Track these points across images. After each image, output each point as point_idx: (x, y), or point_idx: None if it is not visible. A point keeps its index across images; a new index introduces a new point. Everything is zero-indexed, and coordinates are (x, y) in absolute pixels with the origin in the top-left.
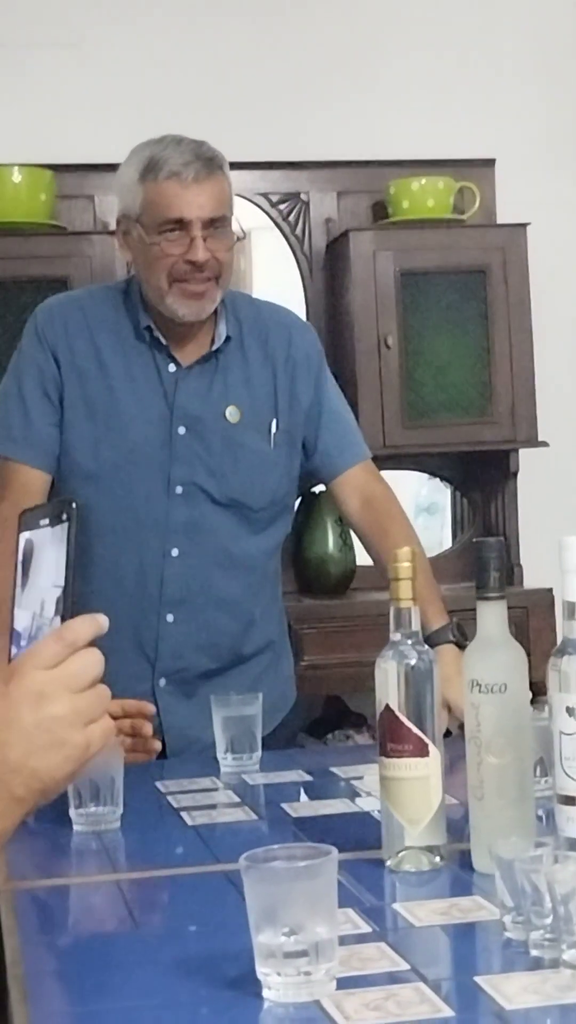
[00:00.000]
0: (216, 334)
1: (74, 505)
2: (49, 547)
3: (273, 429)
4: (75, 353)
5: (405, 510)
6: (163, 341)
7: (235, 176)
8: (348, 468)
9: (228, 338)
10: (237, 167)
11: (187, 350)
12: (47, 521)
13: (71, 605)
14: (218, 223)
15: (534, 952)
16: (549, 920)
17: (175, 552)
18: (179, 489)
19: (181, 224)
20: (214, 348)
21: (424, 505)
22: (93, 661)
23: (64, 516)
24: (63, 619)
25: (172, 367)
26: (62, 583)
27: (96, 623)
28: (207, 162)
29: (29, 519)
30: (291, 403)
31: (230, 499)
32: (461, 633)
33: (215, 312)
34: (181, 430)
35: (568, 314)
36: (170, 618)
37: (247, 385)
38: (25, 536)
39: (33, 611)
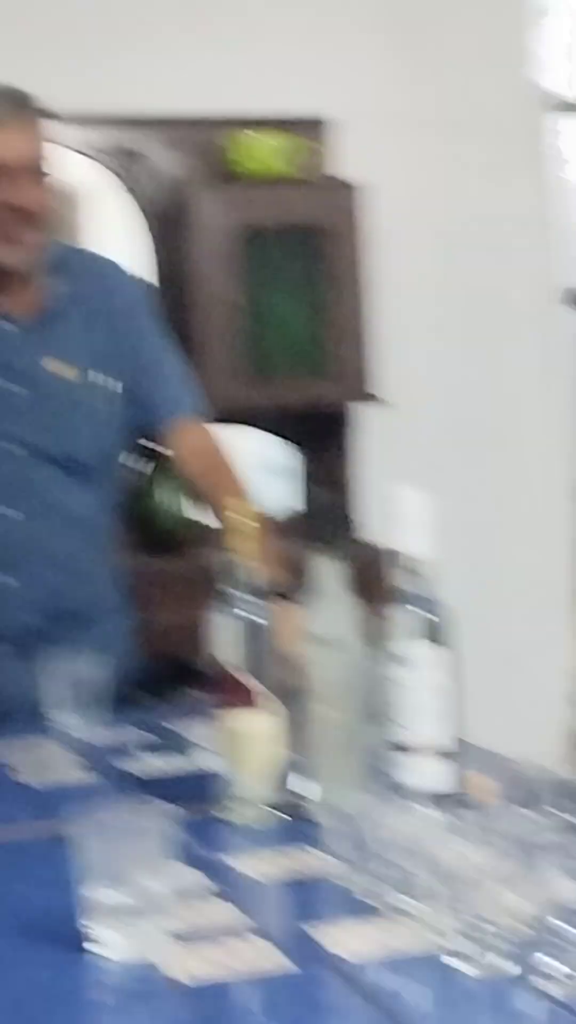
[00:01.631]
0: (47, 291)
1: None
2: None
3: (103, 383)
4: None
5: (250, 469)
6: None
7: (73, 132)
8: (178, 420)
9: (59, 294)
10: (75, 122)
11: (19, 307)
12: None
13: None
14: (35, 168)
15: (371, 901)
16: (386, 869)
17: (3, 509)
18: (5, 445)
19: None
20: (45, 304)
21: (272, 466)
22: None
23: None
24: None
25: (6, 324)
26: None
27: None
28: (19, 107)
29: None
30: (120, 355)
31: (60, 455)
32: (295, 583)
33: (48, 269)
34: (12, 387)
35: (405, 273)
36: (0, 577)
37: (77, 340)
38: None
39: None
